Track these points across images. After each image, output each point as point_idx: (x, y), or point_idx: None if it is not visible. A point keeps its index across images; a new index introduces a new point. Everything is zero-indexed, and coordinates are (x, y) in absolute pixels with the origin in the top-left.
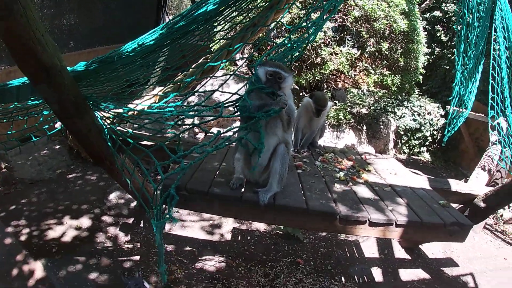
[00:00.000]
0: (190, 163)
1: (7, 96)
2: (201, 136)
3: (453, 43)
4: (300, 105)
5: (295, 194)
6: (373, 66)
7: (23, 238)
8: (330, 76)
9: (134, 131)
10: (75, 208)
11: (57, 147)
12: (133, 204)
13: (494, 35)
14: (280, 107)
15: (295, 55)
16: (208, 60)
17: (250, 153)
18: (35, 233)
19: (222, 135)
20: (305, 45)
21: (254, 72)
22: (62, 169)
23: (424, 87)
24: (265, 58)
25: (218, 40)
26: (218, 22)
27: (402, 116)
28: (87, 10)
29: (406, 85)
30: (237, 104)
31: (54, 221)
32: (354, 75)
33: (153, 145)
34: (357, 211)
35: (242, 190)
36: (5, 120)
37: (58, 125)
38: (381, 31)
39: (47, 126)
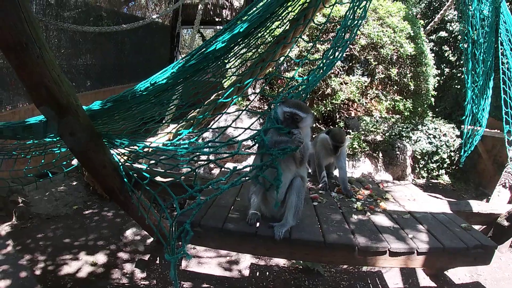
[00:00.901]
0: (206, 199)
1: (25, 132)
2: (216, 171)
3: (461, 62)
4: (316, 140)
5: (312, 227)
6: (384, 92)
7: (38, 272)
8: (342, 105)
9: (149, 167)
10: (91, 244)
11: (74, 183)
12: (149, 240)
13: (501, 48)
14: (296, 146)
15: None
16: (220, 96)
17: (267, 188)
18: (50, 267)
19: (237, 172)
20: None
21: (272, 109)
22: (79, 205)
23: (437, 109)
24: (284, 96)
25: (229, 77)
26: (228, 59)
27: (418, 140)
28: (103, 50)
29: (419, 109)
30: (255, 138)
31: (69, 256)
32: (366, 102)
33: (169, 181)
34: (376, 241)
35: (258, 225)
36: (22, 155)
37: (74, 162)
38: (389, 57)
39: (64, 163)
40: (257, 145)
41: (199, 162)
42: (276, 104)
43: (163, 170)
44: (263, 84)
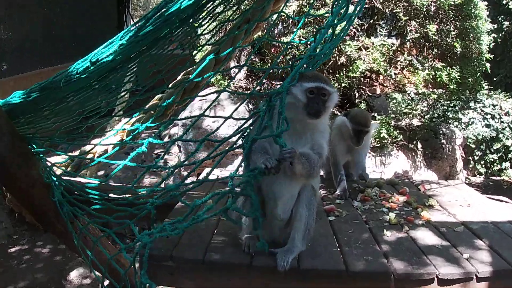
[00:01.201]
0: (156, 235)
1: None
2: (192, 180)
3: None
4: (331, 128)
5: (328, 251)
6: (420, 58)
7: None
8: (362, 79)
9: (89, 181)
10: None
11: None
12: (106, 283)
13: None
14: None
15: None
16: (190, 75)
17: (264, 199)
18: None
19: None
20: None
21: (275, 99)
22: (1, 240)
23: (494, 78)
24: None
25: (202, 47)
26: (199, 21)
27: (470, 122)
28: (23, 19)
29: (469, 79)
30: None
31: None
32: (395, 74)
33: (123, 201)
34: (418, 265)
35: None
36: None
37: None
38: (424, 9)
39: None
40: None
41: (164, 172)
42: (285, 86)
43: (116, 185)
44: (250, 55)
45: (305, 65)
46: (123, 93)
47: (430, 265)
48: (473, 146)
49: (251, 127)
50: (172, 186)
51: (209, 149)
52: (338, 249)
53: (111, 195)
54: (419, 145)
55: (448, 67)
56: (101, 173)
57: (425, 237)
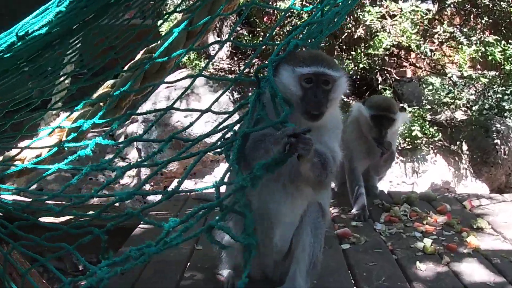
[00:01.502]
0: (116, 269)
1: None
2: (154, 198)
3: None
4: (347, 120)
5: None
6: (465, 29)
7: None
8: (386, 59)
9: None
10: None
11: None
12: None
13: None
14: (285, 152)
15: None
16: (153, 53)
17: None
18: None
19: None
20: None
21: (264, 80)
22: None
23: None
24: (283, 48)
25: (169, 14)
26: None
27: None
28: None
29: None
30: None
31: None
32: (432, 51)
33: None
34: None
35: None
36: None
37: None
38: None
39: None
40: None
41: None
42: (271, 66)
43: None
44: (235, 26)
45: (301, 37)
46: (62, 78)
47: None
48: None
49: (239, 124)
50: (122, 193)
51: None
52: (355, 287)
53: (43, 219)
54: (465, 147)
55: (503, 41)
56: (32, 187)
57: (473, 270)
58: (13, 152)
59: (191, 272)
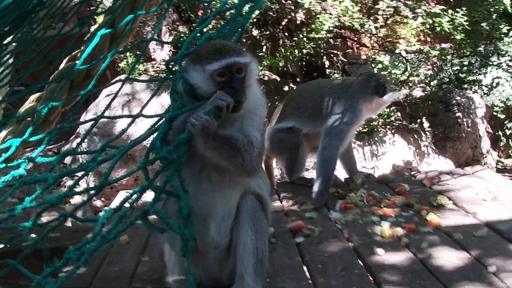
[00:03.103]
0: (61, 277)
1: None
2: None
3: None
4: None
5: (295, 287)
6: (409, 2)
7: None
8: (331, 41)
9: None
10: None
11: None
12: None
13: None
14: (215, 110)
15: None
16: (77, 60)
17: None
18: None
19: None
20: None
21: (178, 75)
22: None
23: None
24: (190, 45)
25: (87, 18)
26: None
27: (495, 84)
28: None
29: (482, 24)
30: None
31: None
32: (377, 28)
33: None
34: None
35: None
36: None
37: None
38: None
39: None
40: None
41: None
42: (180, 60)
43: None
44: (158, 22)
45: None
46: None
47: None
48: (502, 116)
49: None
50: (53, 197)
51: (128, 164)
52: (310, 282)
53: None
54: (425, 124)
55: (450, 11)
56: None
57: (434, 249)
58: None
59: (138, 285)
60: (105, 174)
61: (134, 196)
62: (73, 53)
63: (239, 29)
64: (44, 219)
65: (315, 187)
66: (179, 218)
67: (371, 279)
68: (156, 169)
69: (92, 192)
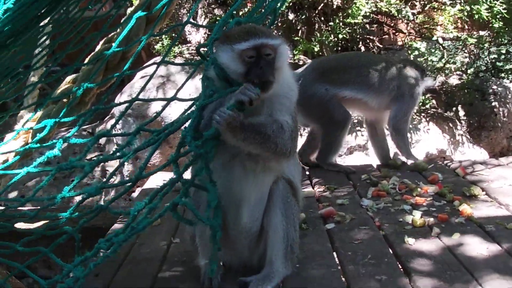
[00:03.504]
0: (89, 265)
1: None
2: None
3: None
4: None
5: (325, 274)
6: None
7: None
8: (367, 27)
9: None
10: None
11: None
12: None
13: None
14: (237, 105)
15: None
16: (113, 43)
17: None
18: None
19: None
20: None
21: (210, 60)
22: None
23: None
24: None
25: (124, 1)
26: None
27: None
28: None
29: None
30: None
31: None
32: (414, 14)
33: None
34: (454, 283)
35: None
36: None
37: None
38: None
39: None
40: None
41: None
42: (211, 45)
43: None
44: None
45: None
46: (31, 76)
47: (472, 281)
48: None
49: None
50: (91, 189)
51: (161, 146)
52: (340, 268)
53: (18, 225)
54: (461, 113)
55: None
56: (13, 195)
57: (465, 241)
58: None
59: (169, 267)
60: (141, 168)
61: (164, 189)
62: (109, 35)
63: (271, 14)
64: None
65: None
66: (206, 210)
67: (401, 268)
68: (186, 162)
69: (127, 185)
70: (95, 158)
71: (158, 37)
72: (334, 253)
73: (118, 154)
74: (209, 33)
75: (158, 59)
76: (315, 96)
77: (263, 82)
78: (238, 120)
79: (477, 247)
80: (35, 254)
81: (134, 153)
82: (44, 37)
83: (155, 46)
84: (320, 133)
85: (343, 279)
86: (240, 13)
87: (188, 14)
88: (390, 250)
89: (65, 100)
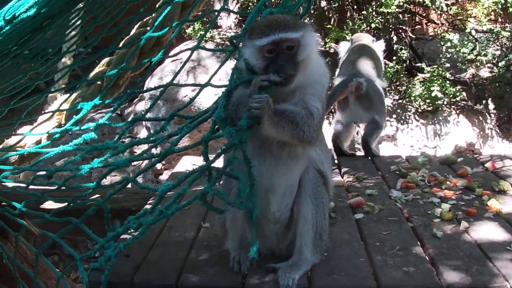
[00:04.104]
0: (119, 245)
1: None
2: (166, 175)
3: None
4: None
5: (353, 264)
6: None
7: None
8: (400, 16)
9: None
10: None
11: None
12: None
13: None
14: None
15: None
16: (148, 27)
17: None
18: None
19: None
20: None
21: (239, 53)
22: None
23: None
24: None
25: None
26: None
27: None
28: None
29: None
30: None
31: None
32: (448, 6)
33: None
34: (481, 276)
35: (245, 270)
36: None
37: None
38: None
39: None
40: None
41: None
42: (244, 36)
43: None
44: None
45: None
46: (64, 59)
47: (499, 275)
48: None
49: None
50: (120, 160)
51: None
52: (368, 258)
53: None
54: (491, 106)
55: None
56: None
57: (493, 235)
58: (13, 139)
59: (196, 252)
60: (172, 143)
61: (193, 175)
62: (144, 20)
63: (306, 3)
64: (107, 181)
65: None
66: (237, 197)
67: (428, 260)
68: (218, 151)
69: (155, 159)
70: (126, 141)
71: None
72: (362, 243)
73: (152, 138)
74: (240, 18)
75: (189, 43)
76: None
77: (285, 76)
78: (271, 104)
79: (504, 242)
80: (65, 224)
81: (167, 138)
82: (79, 21)
83: (186, 30)
84: (372, 124)
85: (371, 269)
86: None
87: (219, 0)
88: (418, 242)
89: (99, 82)
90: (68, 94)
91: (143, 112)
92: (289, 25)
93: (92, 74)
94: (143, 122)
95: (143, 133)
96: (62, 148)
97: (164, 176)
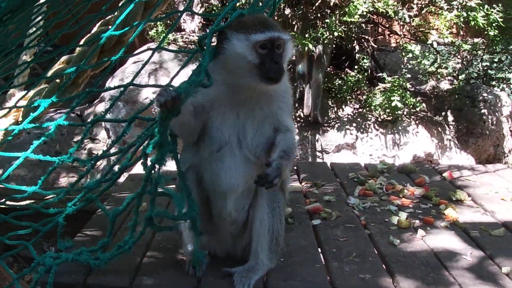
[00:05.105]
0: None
1: None
2: (123, 177)
3: None
4: None
5: (308, 269)
6: None
7: None
8: (363, 26)
9: None
10: None
11: None
12: None
13: None
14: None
15: None
16: (110, 25)
17: (207, 194)
18: None
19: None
20: None
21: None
22: None
23: None
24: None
25: None
26: None
27: None
28: None
29: None
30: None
31: None
32: (411, 17)
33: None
34: (437, 285)
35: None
36: None
37: None
38: None
39: None
40: None
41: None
42: (210, 36)
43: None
44: None
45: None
46: (23, 56)
47: (455, 284)
48: None
49: None
50: (91, 183)
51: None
52: (324, 264)
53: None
54: (450, 118)
55: (486, 6)
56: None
57: (449, 244)
58: None
59: (152, 254)
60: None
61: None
62: (107, 18)
63: (272, 6)
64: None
65: None
66: (178, 212)
67: (385, 268)
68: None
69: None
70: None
71: (152, 23)
72: (319, 249)
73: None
74: (204, 22)
75: (151, 45)
76: None
77: (277, 74)
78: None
79: (460, 251)
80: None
81: (129, 148)
82: (40, 17)
83: (149, 32)
84: None
85: (327, 275)
86: (237, 4)
87: (183, 3)
88: (375, 250)
89: (57, 80)
90: (26, 91)
91: (103, 113)
92: (280, 27)
93: (51, 71)
94: (103, 124)
95: (102, 135)
96: (25, 155)
97: (121, 178)
